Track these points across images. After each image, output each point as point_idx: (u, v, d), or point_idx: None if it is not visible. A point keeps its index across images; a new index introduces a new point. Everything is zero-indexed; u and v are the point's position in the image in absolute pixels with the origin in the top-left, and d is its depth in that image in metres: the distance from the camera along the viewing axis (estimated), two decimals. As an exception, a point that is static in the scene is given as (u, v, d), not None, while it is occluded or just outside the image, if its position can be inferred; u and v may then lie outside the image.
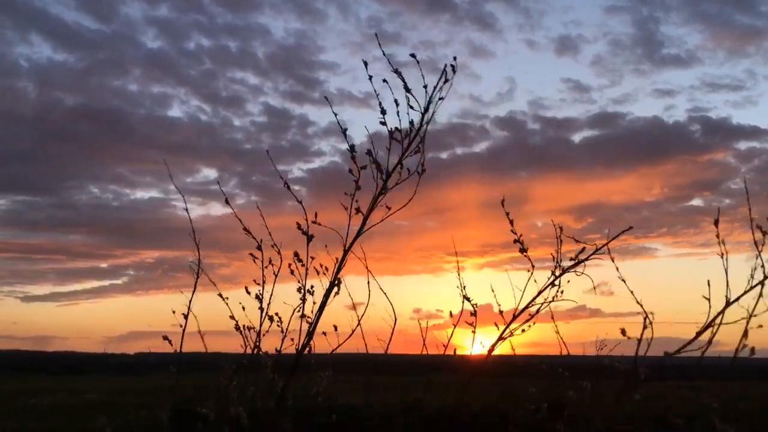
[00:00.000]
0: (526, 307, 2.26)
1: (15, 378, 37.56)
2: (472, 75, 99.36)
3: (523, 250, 2.25)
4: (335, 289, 2.17)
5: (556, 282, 2.24)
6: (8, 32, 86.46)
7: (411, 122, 2.08)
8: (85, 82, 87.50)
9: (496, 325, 2.27)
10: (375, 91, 2.03)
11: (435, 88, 2.06)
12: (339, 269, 2.21)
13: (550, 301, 2.24)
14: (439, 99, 2.08)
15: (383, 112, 2.09)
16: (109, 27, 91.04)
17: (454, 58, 2.07)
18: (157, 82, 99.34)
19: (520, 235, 2.27)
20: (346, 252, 2.22)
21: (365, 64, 2.04)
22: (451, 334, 2.34)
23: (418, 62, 2.10)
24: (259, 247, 2.23)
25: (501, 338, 2.29)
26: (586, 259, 2.21)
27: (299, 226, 2.16)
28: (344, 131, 2.11)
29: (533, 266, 2.26)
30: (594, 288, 2.39)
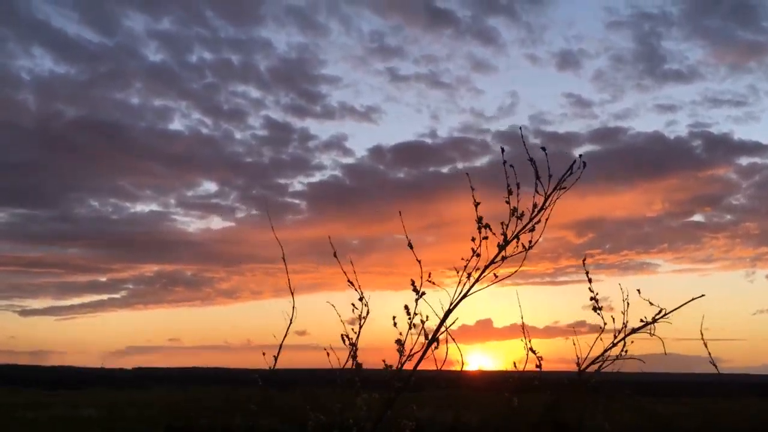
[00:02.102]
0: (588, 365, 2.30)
1: (13, 392, 37.31)
2: (474, 89, 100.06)
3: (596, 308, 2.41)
4: (434, 344, 2.32)
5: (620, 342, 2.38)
6: (10, 45, 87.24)
7: (534, 204, 2.31)
8: (86, 95, 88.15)
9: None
10: (507, 174, 2.34)
11: (560, 179, 2.30)
12: (438, 329, 2.32)
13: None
14: (562, 189, 2.30)
15: (510, 192, 2.33)
16: (111, 40, 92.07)
17: (580, 156, 2.30)
18: (159, 95, 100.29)
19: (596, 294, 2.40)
20: (449, 311, 2.33)
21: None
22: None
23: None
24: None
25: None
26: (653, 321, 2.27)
27: (413, 284, 2.34)
28: (479, 220, 2.34)
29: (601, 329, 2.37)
30: (596, 305, 2.38)
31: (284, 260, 2.49)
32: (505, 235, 2.33)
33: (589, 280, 2.36)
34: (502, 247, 2.32)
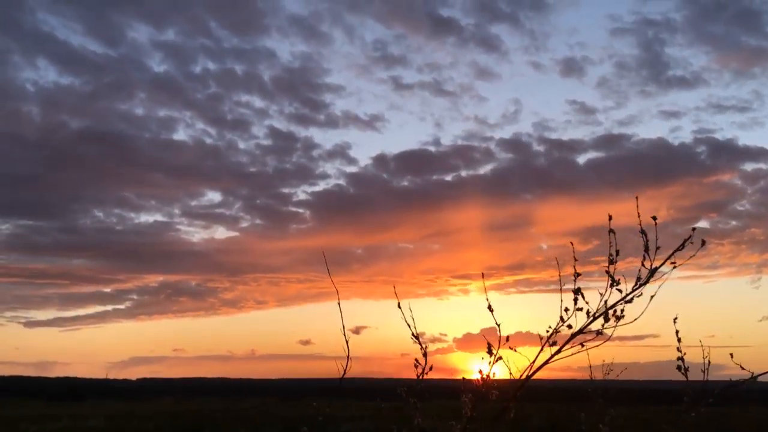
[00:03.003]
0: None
1: (17, 403, 37.26)
2: (477, 97, 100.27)
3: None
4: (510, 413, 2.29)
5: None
6: (15, 57, 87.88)
7: (638, 278, 2.21)
8: (90, 106, 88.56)
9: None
10: (609, 242, 2.22)
11: (672, 253, 2.21)
12: (516, 394, 2.30)
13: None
14: (672, 263, 2.21)
15: (611, 262, 2.22)
16: (115, 51, 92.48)
17: (694, 229, 2.20)
18: (163, 106, 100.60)
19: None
20: (528, 378, 2.30)
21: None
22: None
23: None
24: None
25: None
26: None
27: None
28: (577, 291, 2.26)
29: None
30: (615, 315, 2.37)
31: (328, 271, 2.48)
32: (606, 311, 2.21)
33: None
34: (594, 319, 2.23)
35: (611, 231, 2.24)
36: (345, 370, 2.31)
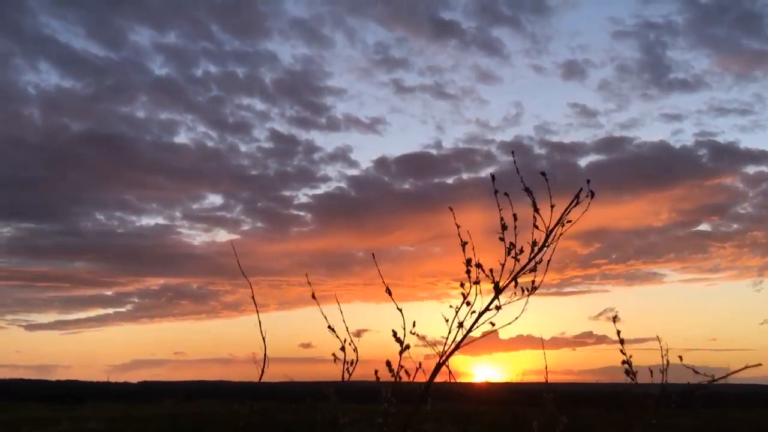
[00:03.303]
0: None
1: (18, 407, 37.26)
2: (479, 100, 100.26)
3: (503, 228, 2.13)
4: (428, 403, 2.17)
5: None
6: (17, 60, 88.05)
7: (534, 242, 2.07)
8: (92, 109, 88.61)
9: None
10: (498, 205, 2.07)
11: (565, 211, 2.05)
12: (430, 383, 2.17)
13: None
14: (568, 221, 2.05)
15: (504, 227, 2.09)
16: (117, 54, 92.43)
17: (588, 181, 2.03)
18: (164, 109, 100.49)
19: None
20: (440, 365, 2.17)
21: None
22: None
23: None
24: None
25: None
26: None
27: (395, 334, 2.15)
28: (468, 262, 2.09)
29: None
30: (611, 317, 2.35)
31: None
32: (496, 284, 2.07)
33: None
34: (496, 294, 2.09)
35: (497, 192, 2.13)
36: (344, 370, 2.30)
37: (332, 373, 2.35)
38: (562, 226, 2.07)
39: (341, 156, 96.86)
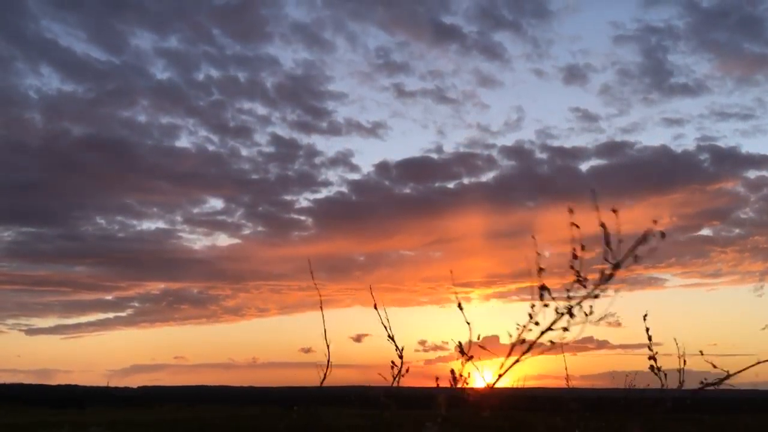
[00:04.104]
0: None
1: (18, 411, 37.19)
2: (480, 104, 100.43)
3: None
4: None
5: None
6: (18, 64, 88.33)
7: (602, 272, 2.17)
8: (93, 113, 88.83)
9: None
10: (573, 237, 2.16)
11: (632, 249, 2.15)
12: (491, 388, 2.29)
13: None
14: (634, 257, 2.15)
15: (575, 257, 2.18)
16: (118, 58, 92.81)
17: (655, 222, 2.14)
18: (166, 113, 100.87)
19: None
20: (500, 376, 2.28)
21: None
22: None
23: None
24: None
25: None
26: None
27: (460, 345, 2.27)
28: (542, 287, 2.20)
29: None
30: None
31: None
32: (570, 308, 2.17)
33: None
34: (561, 314, 2.20)
35: (572, 224, 2.20)
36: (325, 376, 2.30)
37: (336, 378, 2.35)
38: (635, 262, 2.17)
39: (342, 160, 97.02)
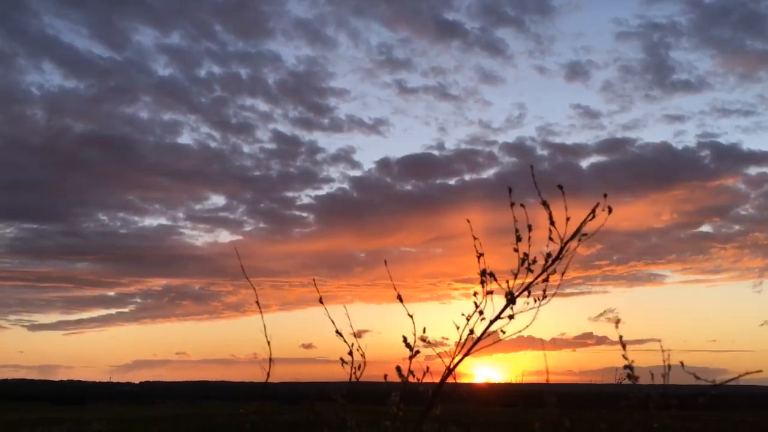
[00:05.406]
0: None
1: (21, 407, 37.32)
2: (482, 101, 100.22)
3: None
4: (434, 409, 2.20)
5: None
6: (21, 60, 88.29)
7: (548, 254, 2.09)
8: (95, 110, 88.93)
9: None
10: (514, 218, 2.09)
11: (583, 222, 2.06)
12: (438, 390, 2.19)
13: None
14: (583, 235, 2.07)
15: (518, 239, 2.10)
16: (121, 55, 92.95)
17: (605, 195, 2.05)
18: (168, 110, 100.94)
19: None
20: (450, 371, 2.19)
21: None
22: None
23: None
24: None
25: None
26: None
27: (405, 340, 2.18)
28: (483, 273, 2.12)
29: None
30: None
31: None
32: (510, 294, 2.08)
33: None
34: (507, 303, 2.10)
35: (513, 204, 2.13)
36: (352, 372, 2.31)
37: (336, 373, 2.36)
38: (579, 240, 2.08)
39: (344, 157, 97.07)
